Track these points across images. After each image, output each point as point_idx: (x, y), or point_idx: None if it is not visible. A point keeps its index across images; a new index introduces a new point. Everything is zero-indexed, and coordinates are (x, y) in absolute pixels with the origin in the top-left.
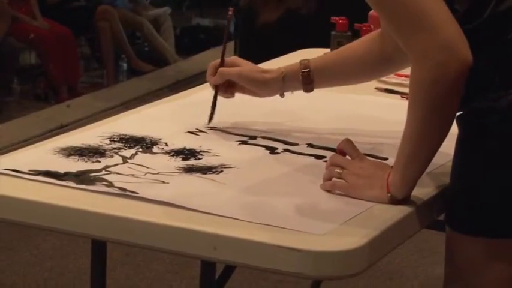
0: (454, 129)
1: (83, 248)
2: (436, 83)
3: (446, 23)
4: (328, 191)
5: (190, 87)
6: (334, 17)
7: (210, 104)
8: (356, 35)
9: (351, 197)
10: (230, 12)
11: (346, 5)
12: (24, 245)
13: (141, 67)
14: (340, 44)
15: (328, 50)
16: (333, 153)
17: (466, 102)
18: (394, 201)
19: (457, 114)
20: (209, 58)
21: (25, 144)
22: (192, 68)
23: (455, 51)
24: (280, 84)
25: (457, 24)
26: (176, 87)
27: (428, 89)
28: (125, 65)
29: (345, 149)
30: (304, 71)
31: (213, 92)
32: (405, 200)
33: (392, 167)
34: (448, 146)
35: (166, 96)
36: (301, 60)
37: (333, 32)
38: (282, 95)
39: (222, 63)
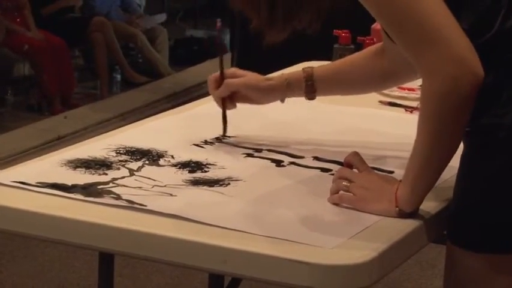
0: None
1: (83, 259)
2: (448, 97)
3: (457, 36)
4: (336, 204)
5: (187, 99)
6: (337, 30)
7: (216, 116)
8: (359, 48)
9: (359, 211)
10: (218, 23)
11: (349, 18)
12: (23, 256)
13: (135, 78)
14: (342, 57)
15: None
16: (339, 166)
17: (472, 118)
18: (403, 215)
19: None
20: (205, 70)
21: (23, 156)
22: (189, 80)
23: (467, 65)
24: (284, 91)
25: (467, 38)
26: (173, 98)
27: (440, 103)
28: (118, 76)
29: (353, 161)
30: (308, 82)
31: (216, 105)
32: (413, 214)
33: (400, 180)
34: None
35: (164, 107)
36: (304, 68)
37: (335, 45)
38: (282, 101)
39: (222, 75)
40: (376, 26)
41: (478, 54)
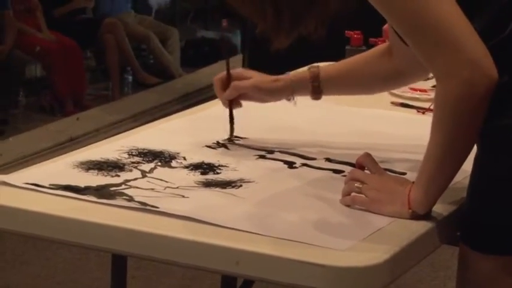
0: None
1: (94, 261)
2: (463, 100)
3: (471, 39)
4: (348, 206)
5: (199, 100)
6: (349, 31)
7: (226, 118)
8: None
9: (371, 212)
10: (224, 23)
11: (361, 19)
12: (35, 258)
13: (146, 80)
14: None
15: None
16: (351, 167)
17: (486, 120)
18: (415, 217)
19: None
20: (217, 71)
21: (35, 157)
22: (201, 81)
23: (482, 67)
24: (290, 92)
25: (482, 41)
26: (185, 99)
27: (454, 106)
28: (130, 78)
29: (365, 163)
30: (314, 83)
31: (222, 105)
32: (426, 216)
33: (413, 182)
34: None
35: (176, 108)
36: (310, 67)
37: (347, 47)
38: (288, 100)
39: (229, 77)
40: (388, 26)
41: (492, 55)
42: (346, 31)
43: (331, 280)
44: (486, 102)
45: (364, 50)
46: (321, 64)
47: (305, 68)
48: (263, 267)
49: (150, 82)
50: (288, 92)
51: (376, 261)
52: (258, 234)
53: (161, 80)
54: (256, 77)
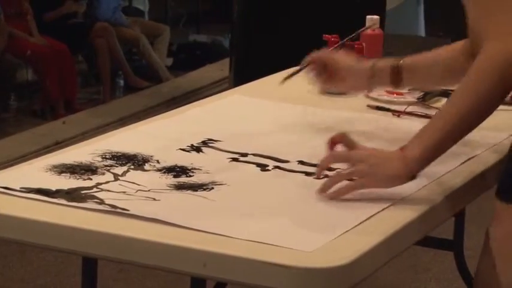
0: None
1: (77, 264)
2: (510, 66)
3: None
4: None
5: (186, 104)
6: (327, 35)
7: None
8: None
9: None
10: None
11: (339, 23)
12: (18, 261)
13: (138, 84)
14: None
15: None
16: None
17: None
18: (412, 175)
19: None
20: (205, 74)
21: (21, 161)
22: (189, 85)
23: None
24: (369, 74)
25: None
26: (172, 103)
27: (499, 68)
28: (121, 82)
29: (343, 140)
30: (394, 66)
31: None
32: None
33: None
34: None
35: (163, 112)
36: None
37: None
38: (370, 90)
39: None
40: (366, 32)
41: None
42: (323, 35)
43: (295, 281)
44: None
45: None
46: None
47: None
48: (230, 269)
49: (142, 86)
50: (367, 73)
51: (341, 262)
52: (226, 236)
53: (153, 83)
54: (341, 54)
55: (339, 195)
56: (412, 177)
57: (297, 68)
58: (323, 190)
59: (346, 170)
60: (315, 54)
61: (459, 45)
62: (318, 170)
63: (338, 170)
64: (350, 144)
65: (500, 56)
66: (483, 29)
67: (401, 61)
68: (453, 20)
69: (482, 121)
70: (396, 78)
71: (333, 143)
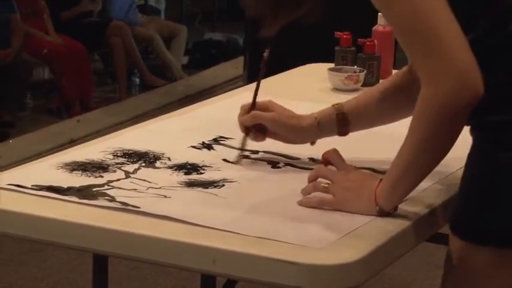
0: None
1: (90, 262)
2: (445, 108)
3: (461, 49)
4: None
5: (199, 102)
6: (338, 32)
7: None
8: (360, 50)
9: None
10: (266, 54)
11: (351, 20)
12: (32, 259)
13: (153, 82)
14: (344, 59)
15: (332, 64)
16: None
17: (483, 115)
18: (382, 213)
19: (472, 125)
20: (219, 73)
21: (35, 159)
22: (202, 83)
23: (469, 81)
24: (316, 130)
25: (471, 51)
26: (186, 101)
27: (435, 113)
28: (137, 80)
29: (332, 159)
30: (339, 113)
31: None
32: (393, 214)
33: (381, 179)
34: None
35: (176, 110)
36: (333, 104)
37: (337, 47)
38: (312, 143)
39: (254, 105)
40: (377, 28)
41: (493, 52)
42: (335, 32)
43: (304, 278)
44: (466, 114)
45: (353, 51)
46: (314, 65)
47: (302, 71)
48: (239, 265)
49: (158, 84)
50: (313, 130)
51: (349, 260)
52: (235, 233)
53: (169, 82)
54: (279, 111)
55: (308, 205)
56: (387, 214)
57: (240, 144)
58: (302, 192)
59: (324, 184)
60: (248, 121)
61: (401, 71)
62: (308, 181)
63: (320, 180)
64: (337, 163)
65: (435, 102)
66: (416, 70)
67: (344, 107)
68: None
69: (443, 154)
70: (343, 124)
71: (324, 157)
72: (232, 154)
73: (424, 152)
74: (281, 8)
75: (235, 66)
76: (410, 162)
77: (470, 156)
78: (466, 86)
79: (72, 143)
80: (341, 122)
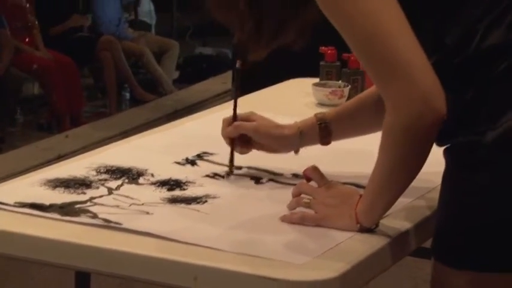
0: (435, 160)
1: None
2: (409, 131)
3: (424, 73)
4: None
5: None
6: (323, 47)
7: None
8: (344, 65)
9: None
10: (237, 65)
11: (335, 35)
12: (19, 276)
13: (144, 97)
14: (329, 74)
15: (317, 79)
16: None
17: (453, 136)
18: (363, 230)
19: (444, 147)
20: (208, 87)
21: (22, 175)
22: (191, 98)
23: (431, 103)
24: (298, 139)
25: (434, 74)
26: (174, 116)
27: (400, 135)
28: (127, 95)
29: (312, 176)
30: (321, 123)
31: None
32: (374, 230)
33: (361, 195)
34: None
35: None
36: (316, 114)
37: (322, 62)
38: (296, 152)
39: (235, 117)
40: None
41: (460, 71)
42: (320, 47)
43: None
44: (433, 136)
45: (337, 66)
46: (299, 80)
47: (288, 86)
48: (220, 282)
49: (148, 99)
50: (295, 139)
51: (329, 276)
52: (217, 249)
53: (158, 96)
54: (261, 121)
55: (290, 221)
56: (368, 230)
57: (230, 156)
58: (287, 207)
59: (306, 199)
60: (232, 133)
61: None
62: (292, 197)
63: (303, 196)
64: (317, 180)
65: (397, 125)
66: (379, 92)
67: (326, 116)
68: None
69: (414, 174)
70: (325, 134)
71: (304, 174)
72: (217, 170)
73: (397, 172)
74: (262, 39)
75: (223, 81)
76: (384, 182)
77: (443, 179)
78: (429, 107)
79: (60, 158)
80: (323, 131)
